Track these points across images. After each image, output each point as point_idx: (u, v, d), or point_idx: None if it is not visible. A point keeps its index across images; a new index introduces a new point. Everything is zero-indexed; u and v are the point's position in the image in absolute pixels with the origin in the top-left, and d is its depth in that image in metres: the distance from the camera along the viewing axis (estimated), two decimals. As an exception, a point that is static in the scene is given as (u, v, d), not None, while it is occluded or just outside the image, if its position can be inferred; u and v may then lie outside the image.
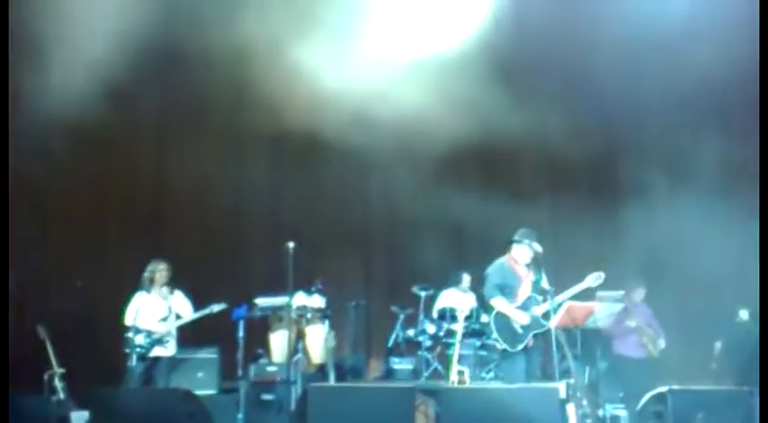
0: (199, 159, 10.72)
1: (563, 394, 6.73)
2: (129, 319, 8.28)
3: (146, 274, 8.39)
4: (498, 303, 7.33)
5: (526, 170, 11.09)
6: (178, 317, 8.51)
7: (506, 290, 7.40)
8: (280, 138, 10.18)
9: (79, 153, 10.41)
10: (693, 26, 9.56)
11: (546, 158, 10.92)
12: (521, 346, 7.20)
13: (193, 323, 8.64)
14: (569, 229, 9.63)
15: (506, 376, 7.51)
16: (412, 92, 9.26)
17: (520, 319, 7.22)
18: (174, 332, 8.49)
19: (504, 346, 7.25)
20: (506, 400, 6.62)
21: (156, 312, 8.38)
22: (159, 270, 8.44)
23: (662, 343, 8.93)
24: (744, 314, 8.71)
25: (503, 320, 7.32)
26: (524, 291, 7.40)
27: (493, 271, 7.50)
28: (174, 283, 8.57)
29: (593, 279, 7.23)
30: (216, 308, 8.48)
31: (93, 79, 9.01)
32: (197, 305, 8.71)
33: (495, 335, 7.31)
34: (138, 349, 8.12)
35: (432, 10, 9.39)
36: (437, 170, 10.24)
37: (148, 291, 8.41)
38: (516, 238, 7.50)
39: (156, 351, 8.36)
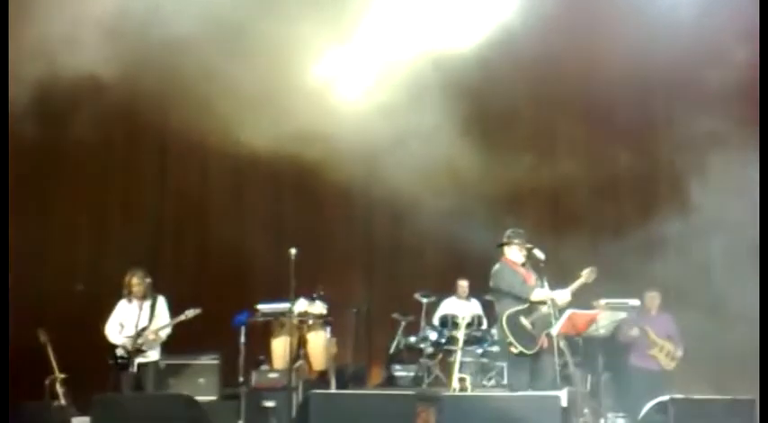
0: (202, 168, 10.75)
1: (564, 402, 6.70)
2: (108, 331, 8.20)
3: (124, 284, 8.25)
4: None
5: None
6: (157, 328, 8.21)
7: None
8: (282, 150, 10.13)
9: (81, 159, 10.45)
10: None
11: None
12: (537, 348, 7.08)
13: (191, 328, 8.57)
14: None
15: (513, 383, 7.42)
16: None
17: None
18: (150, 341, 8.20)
19: (520, 348, 7.05)
20: (508, 408, 6.62)
21: (132, 323, 8.12)
22: (134, 284, 8.21)
23: (679, 353, 8.87)
24: None
25: (516, 322, 7.16)
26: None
27: (505, 274, 7.32)
28: (156, 290, 8.32)
29: (588, 275, 7.15)
30: (191, 313, 8.21)
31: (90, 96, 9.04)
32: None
33: (510, 338, 7.08)
34: (119, 360, 8.05)
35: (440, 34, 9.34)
36: (441, 184, 10.18)
37: (129, 300, 8.27)
38: (505, 240, 7.43)
39: (139, 359, 8.12)
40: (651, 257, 9.62)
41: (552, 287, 7.16)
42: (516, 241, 7.36)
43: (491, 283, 7.43)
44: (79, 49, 8.32)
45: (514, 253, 7.38)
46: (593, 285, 7.31)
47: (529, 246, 7.30)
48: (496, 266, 7.41)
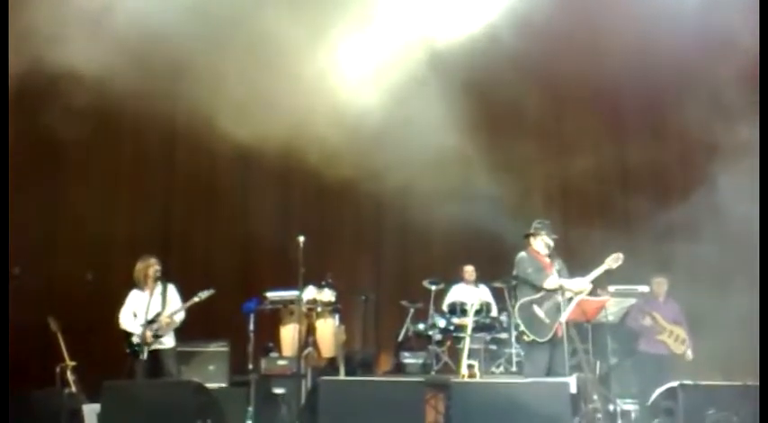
0: (210, 156, 10.76)
1: (573, 389, 6.71)
2: (122, 320, 8.14)
3: (137, 272, 8.19)
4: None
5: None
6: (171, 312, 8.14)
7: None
8: (290, 140, 10.12)
9: (90, 149, 10.47)
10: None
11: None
12: (549, 336, 7.10)
13: (201, 315, 8.57)
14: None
15: (529, 370, 7.42)
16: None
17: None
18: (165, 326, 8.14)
19: (532, 336, 7.11)
20: (516, 394, 6.62)
21: (148, 310, 8.04)
22: (150, 266, 8.16)
23: (687, 342, 8.84)
24: None
25: (529, 311, 7.22)
26: None
27: (526, 262, 7.39)
28: (165, 278, 8.25)
29: (613, 260, 7.16)
30: (204, 294, 8.13)
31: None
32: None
33: (522, 327, 7.17)
34: (136, 348, 8.00)
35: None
36: (448, 171, 10.16)
37: (141, 288, 8.21)
38: (533, 230, 7.50)
39: (155, 346, 8.06)
40: (662, 243, 9.60)
41: (574, 276, 7.23)
42: (543, 232, 7.44)
43: (514, 272, 7.54)
44: (77, 42, 8.34)
45: (539, 244, 7.46)
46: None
47: (554, 236, 7.39)
48: (520, 254, 7.51)
